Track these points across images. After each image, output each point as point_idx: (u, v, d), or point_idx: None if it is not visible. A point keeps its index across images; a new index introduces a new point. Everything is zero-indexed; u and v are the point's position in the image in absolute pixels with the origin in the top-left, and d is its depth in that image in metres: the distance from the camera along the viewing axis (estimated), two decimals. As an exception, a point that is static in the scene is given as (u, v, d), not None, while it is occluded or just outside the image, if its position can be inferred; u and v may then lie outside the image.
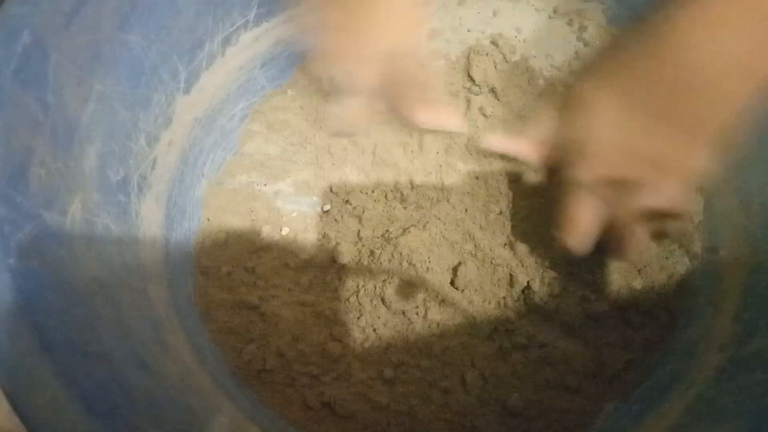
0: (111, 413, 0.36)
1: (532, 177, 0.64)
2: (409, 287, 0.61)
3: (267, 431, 0.51)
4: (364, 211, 0.66)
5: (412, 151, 0.68)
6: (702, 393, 0.50)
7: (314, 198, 0.68)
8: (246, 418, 0.51)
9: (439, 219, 0.65)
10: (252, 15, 0.65)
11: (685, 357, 0.56)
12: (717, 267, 0.57)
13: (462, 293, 0.61)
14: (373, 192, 0.67)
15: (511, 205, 0.65)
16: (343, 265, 0.63)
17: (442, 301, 0.60)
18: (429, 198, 0.66)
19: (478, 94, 0.68)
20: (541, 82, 0.70)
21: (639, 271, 0.60)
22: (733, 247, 0.58)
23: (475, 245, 0.63)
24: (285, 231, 0.66)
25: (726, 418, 0.45)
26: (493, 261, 0.62)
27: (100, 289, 0.42)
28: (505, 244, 0.63)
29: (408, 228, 0.63)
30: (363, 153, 0.69)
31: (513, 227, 0.64)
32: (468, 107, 0.68)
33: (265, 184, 0.68)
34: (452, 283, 0.62)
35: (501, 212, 0.65)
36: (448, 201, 0.66)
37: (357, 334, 0.61)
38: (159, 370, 0.45)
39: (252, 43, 0.67)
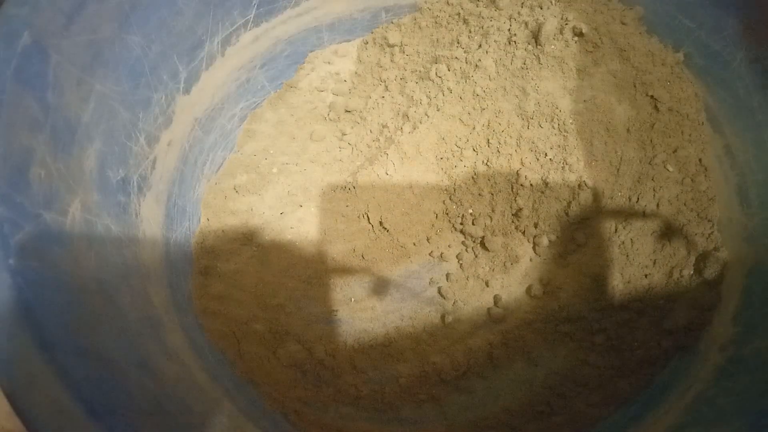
0: (111, 413, 0.36)
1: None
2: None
3: (267, 431, 0.51)
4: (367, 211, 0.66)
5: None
6: (702, 393, 0.50)
7: (313, 198, 0.68)
8: (246, 418, 0.51)
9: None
10: (252, 15, 0.65)
11: (685, 357, 0.56)
12: (717, 267, 0.57)
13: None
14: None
15: None
16: (338, 263, 0.63)
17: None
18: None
19: None
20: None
21: (644, 275, 0.60)
22: (733, 247, 0.58)
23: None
24: (285, 230, 0.66)
25: (726, 418, 0.45)
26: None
27: (100, 289, 0.42)
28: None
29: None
30: (360, 154, 0.69)
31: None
32: None
33: (265, 184, 0.68)
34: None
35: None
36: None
37: (358, 333, 0.61)
38: (159, 369, 0.45)
39: (252, 43, 0.66)
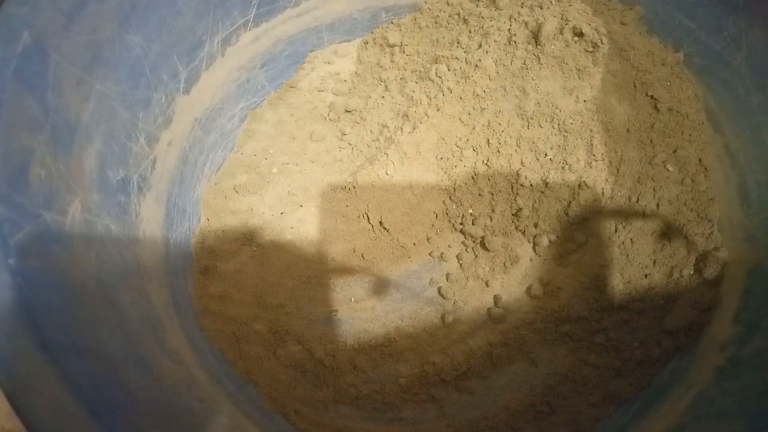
0: (111, 413, 0.36)
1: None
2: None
3: (267, 431, 0.51)
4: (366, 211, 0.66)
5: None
6: (702, 393, 0.50)
7: (313, 198, 0.68)
8: (245, 417, 0.51)
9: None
10: (252, 15, 0.65)
11: (685, 357, 0.56)
12: (717, 267, 0.57)
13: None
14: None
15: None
16: (339, 262, 0.63)
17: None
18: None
19: None
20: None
21: (644, 275, 0.60)
22: (733, 247, 0.58)
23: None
24: (285, 230, 0.66)
25: (726, 418, 0.45)
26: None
27: (100, 289, 0.42)
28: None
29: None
30: (360, 154, 0.69)
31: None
32: None
33: (265, 184, 0.68)
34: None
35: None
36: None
37: (358, 333, 0.61)
38: (159, 370, 0.45)
39: (252, 43, 0.67)
